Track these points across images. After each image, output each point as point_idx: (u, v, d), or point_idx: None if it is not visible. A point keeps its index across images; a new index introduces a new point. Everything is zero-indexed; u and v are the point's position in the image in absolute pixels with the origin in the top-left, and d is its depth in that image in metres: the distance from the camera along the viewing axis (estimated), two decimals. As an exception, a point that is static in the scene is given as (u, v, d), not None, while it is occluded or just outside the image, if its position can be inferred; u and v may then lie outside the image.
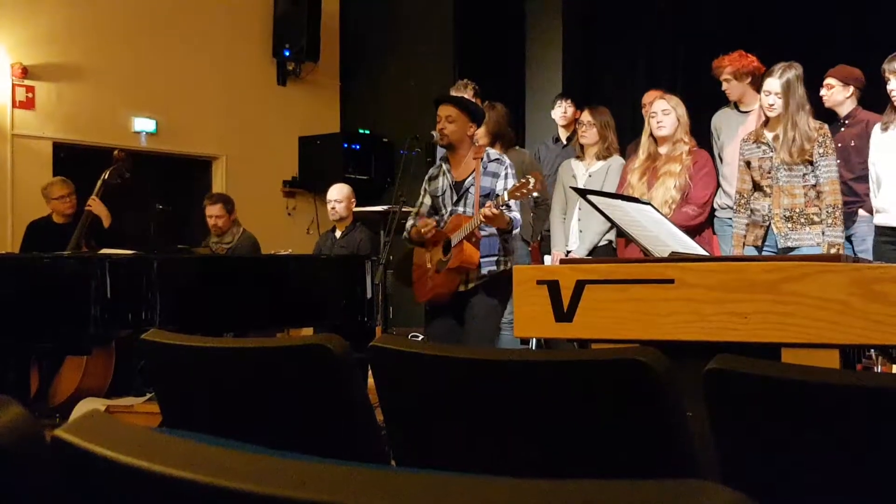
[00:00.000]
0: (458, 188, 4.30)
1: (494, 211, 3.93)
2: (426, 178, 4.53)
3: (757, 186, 4.35)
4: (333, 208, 6.19)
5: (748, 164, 4.38)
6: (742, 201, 4.41)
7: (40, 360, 5.02)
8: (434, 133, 4.35)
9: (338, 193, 6.24)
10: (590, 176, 5.16)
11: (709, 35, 6.87)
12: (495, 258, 4.26)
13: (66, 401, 4.91)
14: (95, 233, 5.68)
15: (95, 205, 5.68)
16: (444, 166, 4.39)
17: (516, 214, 4.13)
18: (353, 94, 9.64)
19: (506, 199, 3.92)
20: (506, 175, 4.24)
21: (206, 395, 1.80)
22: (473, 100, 5.66)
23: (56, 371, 5.07)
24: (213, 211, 6.30)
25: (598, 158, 5.18)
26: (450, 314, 4.32)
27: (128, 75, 8.10)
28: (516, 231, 4.19)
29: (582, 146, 5.23)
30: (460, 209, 4.28)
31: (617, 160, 5.15)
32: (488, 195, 4.20)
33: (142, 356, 1.93)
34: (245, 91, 8.88)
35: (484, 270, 4.21)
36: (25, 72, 7.52)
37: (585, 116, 5.21)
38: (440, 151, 5.82)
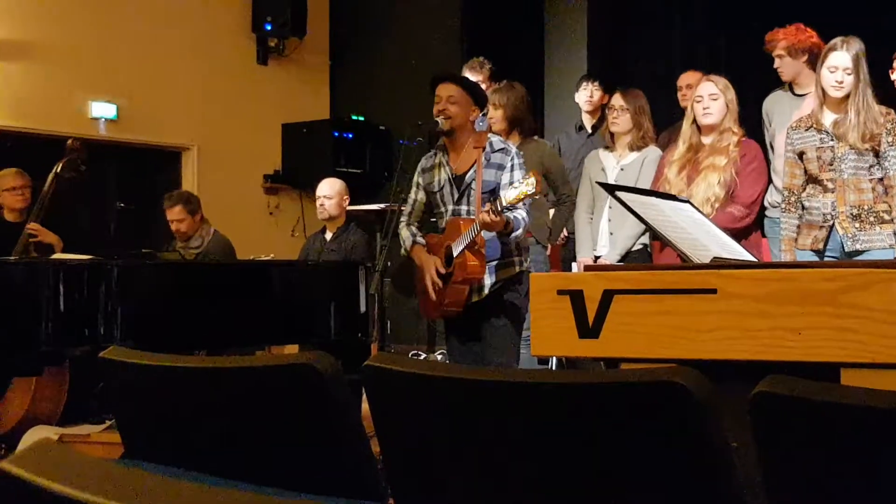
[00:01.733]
0: (459, 183, 4.29)
1: (493, 217, 3.90)
2: (418, 169, 4.52)
3: (813, 181, 4.34)
4: (322, 205, 6.19)
5: (800, 155, 4.37)
6: (792, 199, 4.40)
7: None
8: (439, 119, 4.34)
9: (328, 189, 6.25)
10: (621, 169, 5.16)
11: (758, 6, 6.87)
12: (509, 259, 4.25)
13: (13, 429, 4.92)
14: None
15: (39, 232, 5.63)
16: (442, 156, 4.38)
17: (521, 213, 4.10)
18: (344, 75, 9.66)
19: (504, 203, 3.88)
20: (512, 167, 4.21)
21: (174, 422, 1.80)
22: (488, 82, 5.68)
23: (1, 395, 5.08)
24: (172, 214, 6.29)
25: (632, 149, 5.18)
26: (466, 329, 4.32)
27: (84, 53, 8.12)
28: (517, 233, 4.13)
29: (612, 135, 5.23)
30: (463, 208, 4.27)
31: (653, 151, 5.14)
32: (493, 191, 4.19)
33: (100, 377, 1.94)
34: (220, 71, 8.90)
35: (496, 275, 4.21)
36: (-33, 49, 7.55)
37: (617, 100, 5.20)
38: None
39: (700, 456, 1.33)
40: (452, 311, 4.27)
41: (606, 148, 5.29)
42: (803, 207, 4.38)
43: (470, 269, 4.13)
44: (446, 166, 4.34)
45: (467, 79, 4.55)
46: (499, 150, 4.25)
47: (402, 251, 4.50)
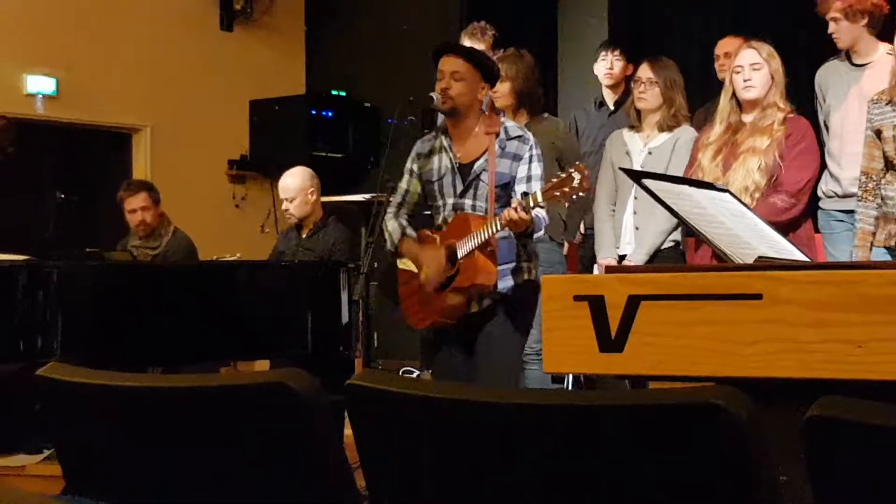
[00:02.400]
0: (465, 173, 4.27)
1: (523, 215, 3.89)
2: (413, 153, 4.51)
3: (891, 165, 4.32)
4: (286, 210, 6.17)
5: (878, 133, 4.35)
6: (870, 185, 4.37)
7: None
8: (434, 95, 4.34)
9: (289, 187, 6.14)
10: (649, 153, 5.16)
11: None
12: (513, 265, 4.24)
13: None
14: None
15: None
16: (444, 140, 4.37)
17: (541, 212, 4.10)
18: (323, 43, 9.65)
19: (539, 199, 3.88)
20: (530, 158, 4.22)
21: (124, 451, 1.80)
22: (491, 51, 5.67)
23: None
24: (134, 203, 6.30)
25: (661, 129, 5.17)
26: (459, 343, 4.31)
27: (18, 20, 8.12)
28: (539, 234, 4.16)
29: (639, 112, 5.22)
30: (467, 202, 4.25)
31: (687, 131, 5.14)
32: (506, 185, 4.19)
33: (36, 399, 1.93)
34: (177, 39, 8.90)
35: (500, 283, 4.20)
36: None
37: (644, 72, 5.19)
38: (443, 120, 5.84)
39: (742, 492, 1.33)
40: (446, 322, 4.26)
41: (631, 128, 5.28)
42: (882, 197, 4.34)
43: (482, 275, 4.12)
44: (448, 152, 4.32)
45: (475, 50, 4.54)
46: (515, 138, 4.24)
47: (388, 247, 4.49)
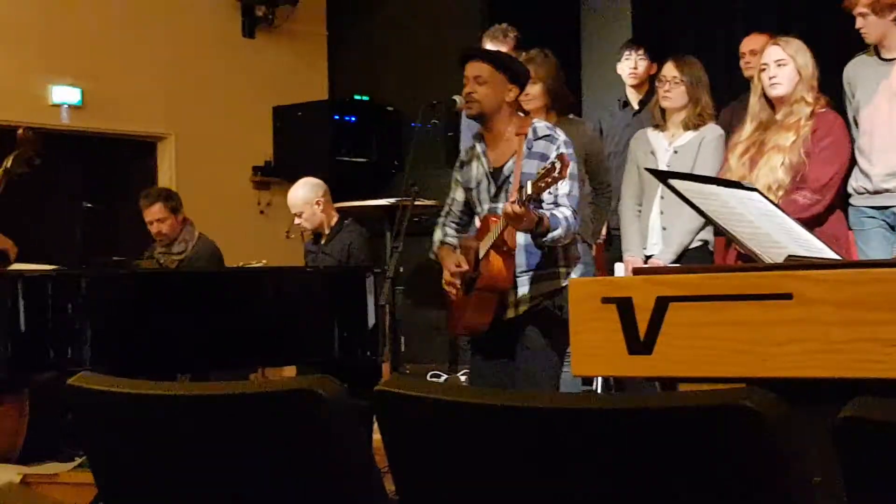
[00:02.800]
0: (497, 177, 4.25)
1: (516, 208, 3.84)
2: (457, 163, 4.52)
3: None
4: (298, 224, 6.24)
5: None
6: None
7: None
8: (457, 98, 4.34)
9: (296, 202, 6.22)
10: (675, 152, 5.14)
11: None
12: (552, 270, 4.22)
13: (-34, 469, 4.95)
14: None
15: None
16: (479, 147, 4.36)
17: (564, 211, 4.06)
18: (345, 48, 9.67)
19: (529, 191, 3.83)
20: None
21: (155, 458, 1.81)
22: (514, 52, 5.67)
23: (-49, 430, 5.12)
24: (151, 214, 6.32)
25: (686, 128, 5.16)
26: (497, 347, 4.28)
27: (43, 31, 8.17)
28: (555, 234, 4.03)
29: (663, 111, 5.21)
30: (500, 206, 4.23)
31: (712, 130, 5.13)
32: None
33: (68, 408, 1.95)
34: (200, 47, 8.94)
35: (534, 288, 4.18)
36: None
37: (669, 70, 5.18)
38: (468, 124, 5.84)
39: (774, 494, 1.32)
40: (476, 327, 4.24)
41: (656, 127, 5.27)
42: None
43: (494, 272, 4.10)
44: (482, 158, 4.31)
45: (499, 53, 4.52)
46: (543, 137, 4.20)
47: (431, 253, 4.49)
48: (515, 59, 4.58)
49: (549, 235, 4.01)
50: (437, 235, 4.47)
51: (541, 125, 4.29)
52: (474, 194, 4.33)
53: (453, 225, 4.47)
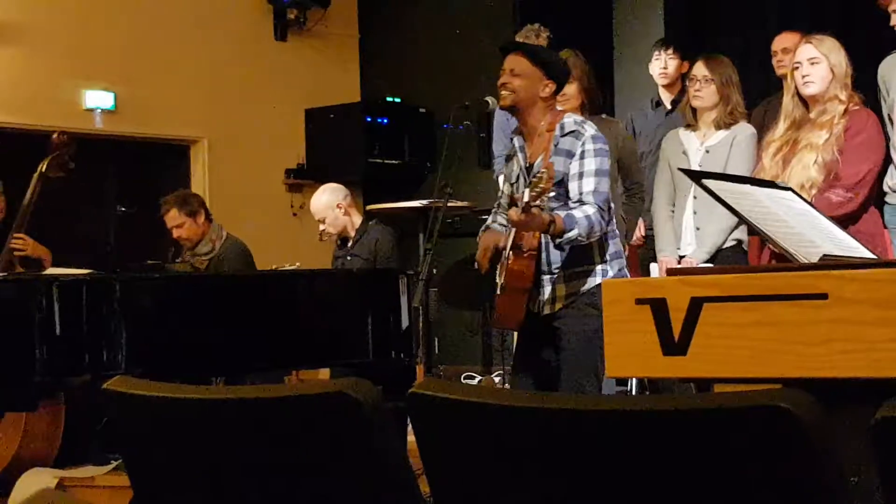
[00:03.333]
0: (530, 173, 4.26)
1: (517, 216, 3.84)
2: (504, 157, 4.54)
3: None
4: (323, 230, 6.28)
5: None
6: None
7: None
8: (489, 99, 4.35)
9: (318, 209, 6.29)
10: (707, 152, 5.13)
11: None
12: (586, 268, 4.21)
13: (3, 472, 5.00)
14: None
15: (28, 246, 5.72)
16: (517, 142, 4.36)
17: (587, 209, 4.01)
18: (377, 50, 9.69)
19: (526, 198, 3.81)
20: (582, 153, 4.12)
21: (189, 462, 1.82)
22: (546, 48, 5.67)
23: (-11, 434, 5.16)
24: (169, 220, 6.36)
25: (718, 127, 5.15)
26: (541, 344, 4.29)
27: (76, 36, 8.24)
28: (572, 234, 3.98)
29: (694, 111, 5.20)
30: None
31: (745, 129, 5.11)
32: (560, 182, 4.13)
33: (103, 412, 1.97)
34: (233, 51, 8.99)
35: (567, 287, 4.19)
36: (-60, 33, 7.68)
37: (699, 69, 5.17)
38: (500, 123, 5.84)
39: (811, 494, 1.32)
40: (509, 321, 4.27)
41: (688, 127, 5.26)
42: None
43: (511, 273, 4.12)
44: (520, 154, 4.32)
45: (539, 48, 4.50)
46: (569, 133, 4.17)
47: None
48: (555, 56, 4.54)
49: (565, 237, 3.98)
50: (489, 221, 4.47)
51: (569, 120, 4.24)
52: (514, 189, 4.34)
53: (502, 217, 4.47)
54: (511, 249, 4.12)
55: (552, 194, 4.07)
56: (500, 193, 4.53)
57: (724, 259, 5.01)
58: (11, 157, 7.38)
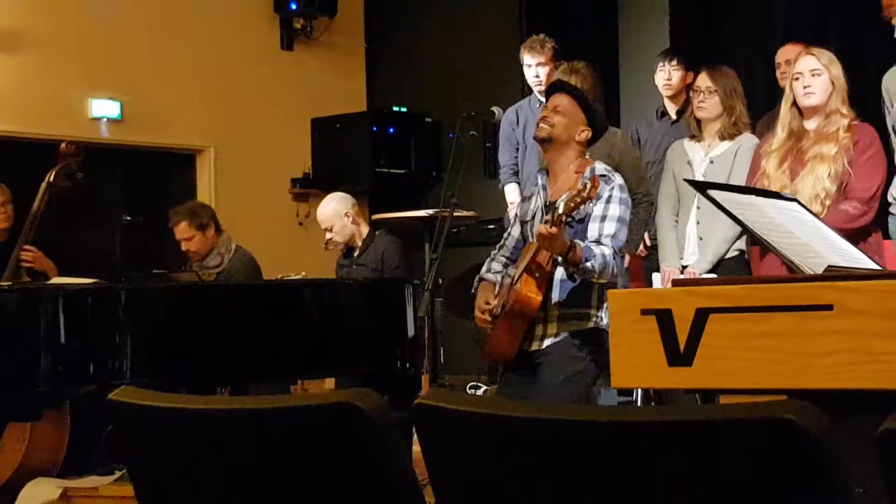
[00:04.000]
0: (550, 210, 4.26)
1: (548, 228, 3.84)
2: (519, 200, 4.53)
3: None
4: (330, 239, 6.29)
5: None
6: None
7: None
8: (496, 109, 4.36)
9: (325, 217, 6.30)
10: (711, 162, 5.14)
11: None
12: (582, 311, 4.19)
13: (7, 483, 5.01)
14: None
15: (37, 259, 5.74)
16: (541, 180, 4.37)
17: (604, 249, 4.01)
18: (383, 59, 9.71)
19: (561, 210, 3.84)
20: (609, 198, 4.15)
21: (195, 472, 1.83)
22: (551, 63, 5.68)
23: (-7, 443, 5.17)
24: (178, 233, 6.35)
25: (722, 138, 5.16)
26: (523, 382, 4.26)
27: (82, 45, 8.26)
28: (589, 264, 3.96)
29: (699, 121, 5.21)
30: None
31: (748, 139, 5.12)
32: (582, 221, 4.15)
33: (108, 421, 1.97)
34: (239, 60, 9.01)
35: (558, 325, 4.17)
36: (-53, 42, 7.71)
37: (703, 80, 5.19)
38: (507, 135, 5.84)
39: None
40: (501, 352, 4.23)
41: (692, 137, 5.27)
42: None
43: (521, 294, 4.08)
44: (541, 192, 4.33)
45: (585, 94, 4.51)
46: (600, 177, 4.15)
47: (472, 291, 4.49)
48: (599, 107, 4.56)
49: (582, 266, 3.98)
50: (483, 270, 4.47)
51: (600, 166, 4.28)
52: (528, 227, 4.33)
53: (503, 259, 4.46)
54: (524, 271, 4.10)
55: (571, 231, 4.07)
56: (506, 234, 4.52)
57: (727, 269, 5.02)
58: (17, 166, 7.40)
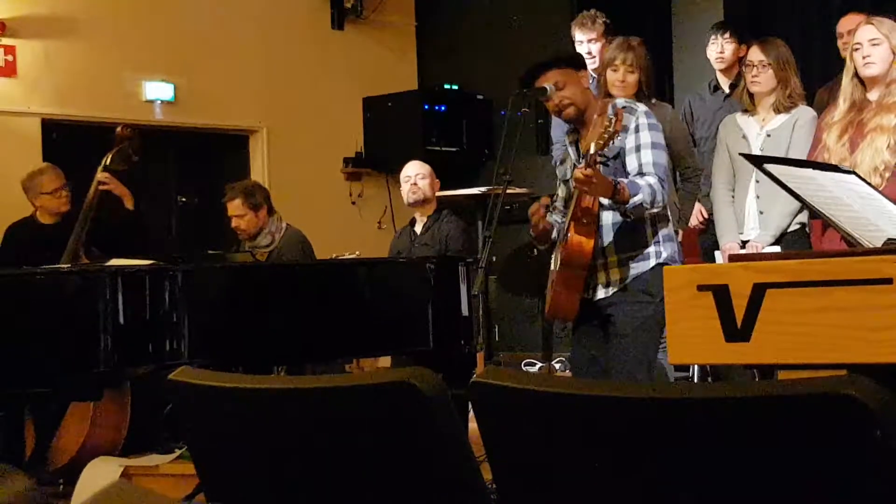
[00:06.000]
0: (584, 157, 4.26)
1: (586, 171, 3.80)
2: (555, 162, 4.54)
3: None
4: (415, 184, 6.24)
5: None
6: None
7: (35, 410, 5.20)
8: (548, 86, 4.33)
9: (419, 167, 6.29)
10: (768, 136, 5.09)
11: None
12: (640, 251, 4.18)
13: (71, 461, 5.08)
14: (108, 220, 5.80)
15: (111, 181, 5.78)
16: (567, 140, 4.36)
17: (648, 179, 3.99)
18: (434, 38, 9.70)
19: (592, 150, 3.81)
20: (636, 127, 4.13)
21: (254, 451, 1.85)
22: (603, 39, 5.65)
23: (56, 424, 5.25)
24: (230, 209, 6.36)
25: (777, 111, 5.10)
26: (594, 332, 4.25)
27: (135, 27, 8.33)
28: (637, 199, 3.94)
29: (752, 95, 5.15)
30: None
31: (806, 112, 5.06)
32: (617, 156, 4.13)
33: (168, 400, 2.00)
34: (290, 40, 9.04)
35: (620, 271, 4.16)
36: (3, 27, 7.80)
37: (755, 54, 5.13)
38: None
39: (878, 482, 1.31)
40: (563, 307, 4.20)
41: (745, 111, 5.22)
42: None
43: (570, 246, 4.05)
44: (571, 149, 4.31)
45: (557, 58, 4.49)
46: (622, 110, 4.15)
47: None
48: (573, 53, 4.56)
49: (631, 202, 3.96)
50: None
51: (619, 101, 4.28)
52: (570, 185, 4.32)
53: (557, 215, 4.45)
54: (571, 220, 4.08)
55: (609, 167, 4.05)
56: (554, 196, 4.51)
57: (789, 243, 4.97)
58: (72, 150, 7.50)
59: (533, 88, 4.40)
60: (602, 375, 4.22)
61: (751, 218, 5.09)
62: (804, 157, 4.66)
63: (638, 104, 4.27)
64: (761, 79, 5.09)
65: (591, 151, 3.83)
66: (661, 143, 4.18)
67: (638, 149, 4.12)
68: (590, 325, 4.26)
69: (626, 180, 3.98)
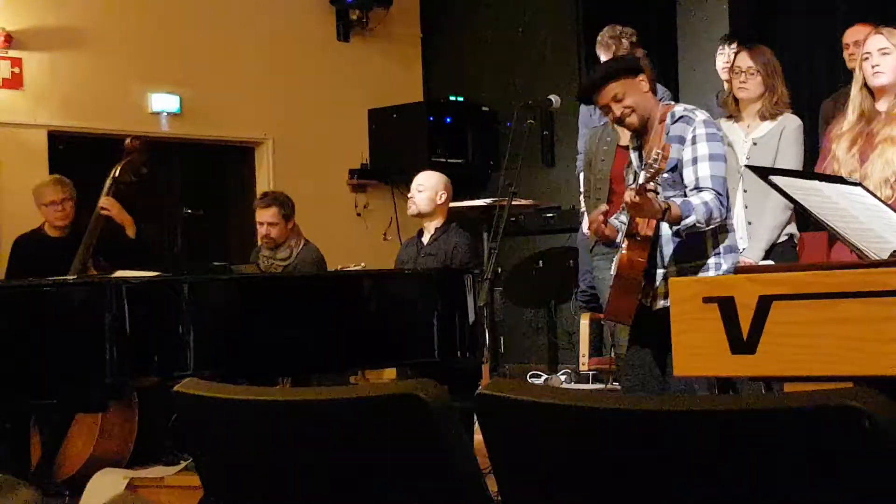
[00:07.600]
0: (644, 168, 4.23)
1: (634, 199, 3.80)
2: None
3: None
4: (411, 197, 6.24)
5: None
6: None
7: (42, 421, 5.21)
8: (553, 98, 4.34)
9: (423, 179, 6.27)
10: (754, 144, 5.08)
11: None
12: (698, 262, 4.14)
13: (78, 473, 5.08)
14: (109, 247, 5.82)
15: (113, 207, 5.80)
16: (630, 146, 4.35)
17: (704, 196, 3.96)
18: (439, 50, 9.72)
19: (642, 180, 3.80)
20: (693, 139, 4.09)
21: (259, 463, 1.84)
22: (631, 50, 5.64)
23: (63, 435, 5.25)
24: (264, 216, 6.38)
25: (763, 118, 5.09)
26: (651, 339, 4.21)
27: (142, 40, 8.35)
28: (689, 220, 3.94)
29: (737, 101, 5.15)
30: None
31: (792, 120, 5.06)
32: (674, 169, 4.09)
33: (173, 412, 2.00)
34: (296, 52, 9.05)
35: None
36: (10, 39, 7.82)
37: (743, 60, 5.12)
38: (585, 119, 5.80)
39: (884, 497, 1.30)
40: (619, 312, 4.19)
41: (729, 118, 5.20)
42: None
43: (622, 261, 4.06)
44: (633, 154, 4.30)
45: (609, 66, 4.44)
46: (679, 119, 4.14)
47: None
48: (619, 58, 4.51)
49: (683, 223, 3.95)
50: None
51: (679, 108, 4.23)
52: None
53: (624, 216, 4.44)
54: (626, 237, 4.08)
55: (667, 178, 4.03)
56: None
57: (778, 254, 4.97)
58: (78, 161, 7.52)
59: (539, 100, 4.41)
60: (653, 381, 4.21)
61: (739, 228, 5.08)
62: (791, 166, 4.66)
63: (697, 111, 4.21)
64: (749, 85, 5.08)
65: (641, 182, 3.81)
66: (719, 154, 4.13)
67: (695, 161, 4.09)
68: (649, 333, 4.21)
69: (679, 200, 3.96)
